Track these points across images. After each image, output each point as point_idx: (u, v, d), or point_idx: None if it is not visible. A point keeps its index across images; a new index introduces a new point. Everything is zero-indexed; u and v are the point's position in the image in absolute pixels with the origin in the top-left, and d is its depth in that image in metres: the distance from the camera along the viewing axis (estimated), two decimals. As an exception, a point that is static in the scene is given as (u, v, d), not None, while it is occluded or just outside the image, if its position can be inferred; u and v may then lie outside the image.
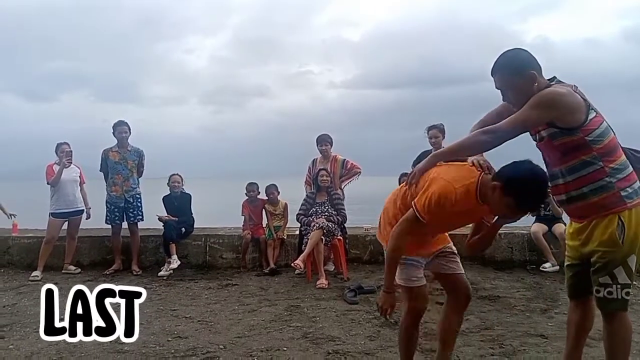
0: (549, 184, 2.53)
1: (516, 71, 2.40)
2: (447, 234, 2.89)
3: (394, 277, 2.74)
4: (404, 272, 2.78)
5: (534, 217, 6.62)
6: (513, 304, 4.77)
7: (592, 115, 2.36)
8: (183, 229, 6.56)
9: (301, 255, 5.68)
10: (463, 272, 2.89)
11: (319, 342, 3.75)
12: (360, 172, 6.72)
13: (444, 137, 6.01)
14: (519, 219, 2.55)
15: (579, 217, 2.52)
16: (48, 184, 6.45)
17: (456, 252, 2.89)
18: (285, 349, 3.62)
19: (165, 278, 6.03)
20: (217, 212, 14.16)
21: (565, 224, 6.31)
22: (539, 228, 6.41)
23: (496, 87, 2.50)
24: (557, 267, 6.20)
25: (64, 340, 3.70)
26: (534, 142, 2.60)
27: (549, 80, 2.46)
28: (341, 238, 6.05)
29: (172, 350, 3.60)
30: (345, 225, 6.32)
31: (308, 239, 5.79)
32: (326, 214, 6.09)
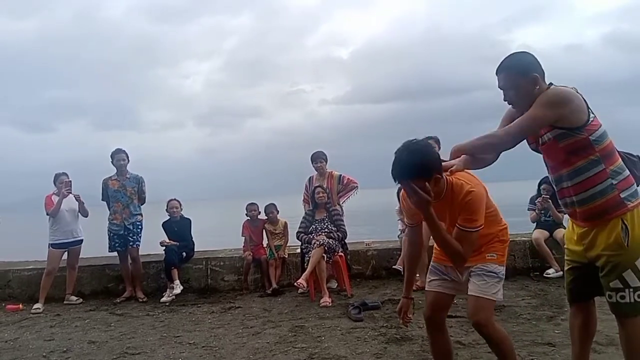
0: (555, 188, 2.58)
1: (520, 72, 2.45)
2: (485, 256, 2.66)
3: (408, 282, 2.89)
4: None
5: (535, 223, 6.62)
6: (519, 312, 4.74)
7: (592, 116, 2.40)
8: (184, 254, 6.52)
9: (304, 274, 5.64)
10: (475, 294, 2.60)
11: (325, 362, 3.71)
12: (357, 186, 6.72)
13: (439, 148, 6.03)
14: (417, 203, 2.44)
15: (584, 220, 2.51)
16: (47, 214, 6.42)
17: (485, 273, 2.62)
18: (291, 371, 3.58)
19: (167, 304, 5.98)
20: (217, 233, 14.12)
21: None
22: (540, 234, 6.40)
23: (499, 86, 2.54)
24: (561, 273, 6.16)
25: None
26: (531, 149, 2.61)
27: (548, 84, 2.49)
28: (342, 254, 6.02)
29: (177, 379, 3.55)
30: (346, 240, 6.29)
31: (309, 257, 5.76)
32: (326, 230, 6.07)
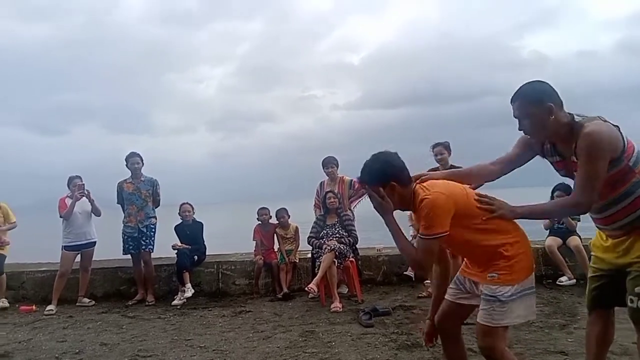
0: (597, 216, 2.51)
1: (534, 101, 2.41)
2: (486, 276, 2.51)
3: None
4: None
5: (548, 230, 6.56)
6: (531, 320, 4.69)
7: (625, 140, 2.38)
8: (196, 257, 6.56)
9: (314, 279, 5.64)
10: (479, 320, 2.50)
11: (336, 367, 3.70)
12: None
13: (449, 154, 6.00)
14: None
15: (623, 234, 2.50)
16: (61, 217, 6.49)
17: (488, 297, 2.45)
18: (301, 376, 3.57)
19: (179, 307, 6.01)
20: (228, 237, 14.15)
21: (579, 237, 6.26)
22: (553, 242, 6.34)
23: (514, 116, 2.49)
24: (574, 281, 6.11)
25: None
26: (560, 175, 2.60)
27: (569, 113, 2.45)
28: (353, 260, 6.01)
29: (188, 382, 3.56)
30: (357, 246, 6.28)
31: (320, 262, 5.76)
32: (337, 235, 6.07)
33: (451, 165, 5.96)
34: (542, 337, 4.20)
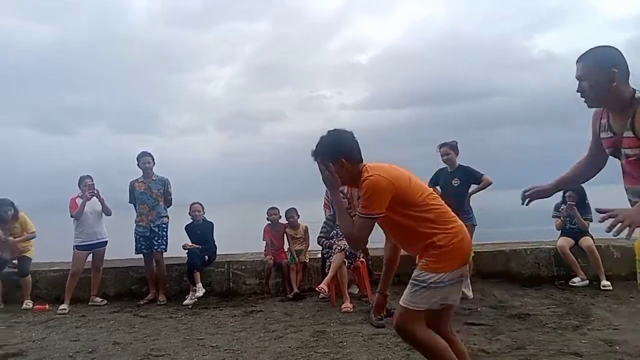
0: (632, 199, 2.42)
1: (598, 64, 2.33)
2: (420, 262, 2.65)
3: None
4: None
5: (560, 231, 6.52)
6: (544, 321, 4.67)
7: None
8: (206, 257, 6.58)
9: (325, 279, 5.64)
10: (400, 301, 2.68)
11: (349, 368, 3.70)
12: None
13: (457, 154, 5.97)
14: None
15: None
16: (71, 216, 6.53)
17: (412, 280, 2.63)
18: (314, 376, 3.57)
19: (190, 307, 6.04)
20: (238, 237, 14.19)
21: (592, 237, 6.21)
22: (565, 242, 6.29)
23: (575, 76, 2.41)
24: (587, 282, 6.06)
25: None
26: (608, 153, 2.51)
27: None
28: (364, 260, 6.01)
29: (201, 381, 3.57)
30: (367, 246, 6.27)
31: (330, 262, 5.75)
32: (346, 236, 6.06)
33: (459, 165, 5.93)
34: (556, 338, 4.17)
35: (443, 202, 2.74)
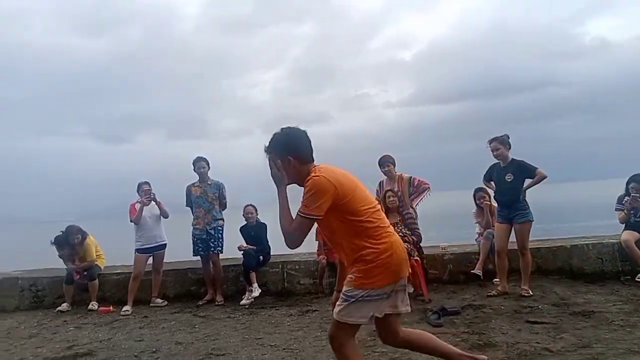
0: None
1: None
2: (349, 276, 2.69)
3: None
4: None
5: (624, 224, 6.24)
6: (610, 319, 4.48)
7: None
8: (261, 258, 6.70)
9: (379, 278, 5.61)
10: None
11: (407, 367, 3.67)
12: (429, 187, 6.58)
13: (509, 148, 5.78)
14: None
15: None
16: (131, 221, 6.79)
17: (343, 294, 2.66)
18: (373, 375, 3.56)
19: (247, 307, 6.16)
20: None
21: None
22: (630, 236, 6.02)
23: None
24: (655, 277, 5.78)
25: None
26: None
27: None
28: (419, 259, 5.94)
29: (262, 380, 3.63)
30: (421, 244, 6.20)
31: (384, 261, 5.72)
32: (400, 234, 5.99)
33: (512, 159, 5.76)
34: (624, 336, 4.00)
35: (384, 218, 2.75)
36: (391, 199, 6.20)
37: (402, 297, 2.75)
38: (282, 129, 2.74)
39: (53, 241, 6.94)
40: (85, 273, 6.89)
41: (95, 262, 7.01)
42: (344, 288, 2.65)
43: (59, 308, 6.67)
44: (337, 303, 2.67)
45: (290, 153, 2.68)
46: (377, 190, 6.74)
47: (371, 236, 2.60)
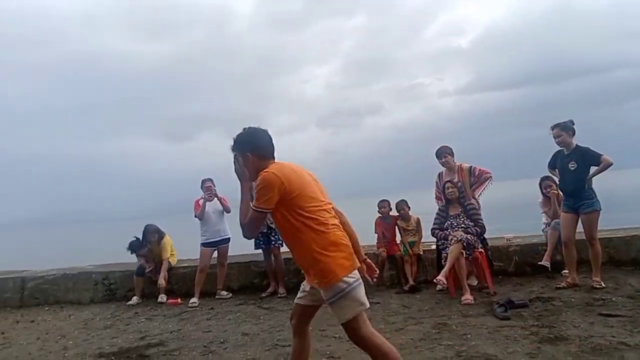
0: None
1: None
2: (315, 278, 2.79)
3: None
4: None
5: None
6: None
7: None
8: (321, 250, 6.73)
9: (442, 270, 5.53)
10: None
11: (475, 360, 3.61)
12: (491, 177, 6.38)
13: (572, 134, 5.51)
14: None
15: None
16: (195, 217, 7.02)
17: (326, 300, 2.74)
18: (440, 368, 3.53)
19: (309, 299, 6.22)
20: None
21: None
22: None
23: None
24: None
25: (229, 363, 4.01)
26: None
27: None
28: (483, 250, 5.81)
29: (328, 371, 3.66)
30: (485, 236, 6.06)
31: (446, 253, 5.64)
32: (463, 226, 5.90)
33: (576, 146, 5.50)
34: None
35: (331, 217, 2.82)
36: (450, 190, 6.08)
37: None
38: (244, 128, 2.95)
39: (128, 247, 7.26)
40: (156, 267, 7.18)
41: (168, 260, 7.27)
42: (323, 294, 2.72)
43: (130, 302, 6.98)
44: (334, 313, 2.73)
45: (249, 150, 2.87)
46: (436, 182, 6.62)
47: (316, 231, 2.71)
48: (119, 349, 4.80)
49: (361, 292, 2.70)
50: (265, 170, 2.76)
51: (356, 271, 2.74)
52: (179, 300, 6.84)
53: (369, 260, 3.07)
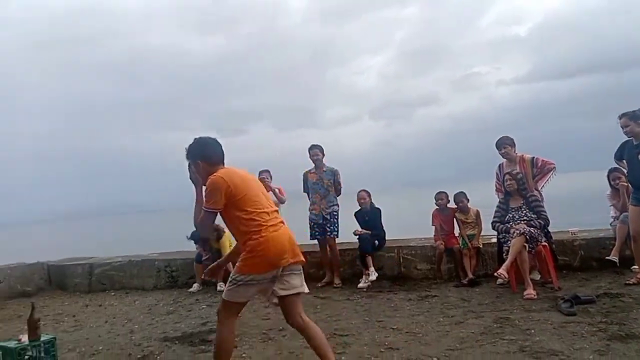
0: None
1: None
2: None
3: None
4: None
5: None
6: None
7: None
8: (376, 242, 6.72)
9: (504, 264, 5.38)
10: None
11: (540, 356, 3.50)
12: (554, 167, 6.13)
13: None
14: None
15: None
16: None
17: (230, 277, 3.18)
18: (503, 363, 3.45)
19: (365, 290, 6.23)
20: (404, 222, 14.25)
21: None
22: None
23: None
24: None
25: (288, 350, 4.08)
26: None
27: None
28: (546, 244, 5.61)
29: (388, 362, 3.66)
30: (549, 229, 5.84)
31: (508, 247, 5.48)
32: (525, 218, 5.70)
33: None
34: None
35: (271, 219, 3.13)
36: (508, 182, 5.90)
37: (292, 280, 3.17)
38: (195, 138, 3.33)
39: (189, 236, 7.45)
40: (212, 257, 7.35)
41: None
42: (231, 273, 3.13)
43: (191, 289, 7.19)
44: (226, 285, 3.18)
45: (199, 158, 3.26)
46: (496, 173, 6.43)
47: (253, 232, 3.05)
48: (182, 333, 4.97)
49: (250, 291, 3.11)
50: (213, 175, 3.12)
51: (266, 274, 3.06)
52: None
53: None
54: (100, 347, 4.67)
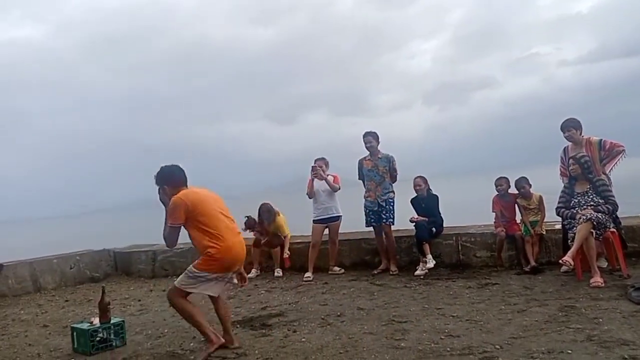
0: None
1: None
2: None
3: None
4: None
5: None
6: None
7: None
8: (433, 229, 6.63)
9: (569, 251, 5.17)
10: None
11: (609, 345, 3.36)
12: (623, 150, 5.81)
13: None
14: None
15: None
16: (307, 194, 7.21)
17: (187, 270, 4.06)
18: (569, 351, 3.32)
19: (422, 277, 6.17)
20: (462, 209, 13.97)
21: None
22: None
23: None
24: None
25: (347, 335, 4.11)
26: None
27: None
28: (615, 230, 5.35)
29: (448, 349, 3.61)
30: (617, 214, 5.56)
31: (573, 233, 5.26)
32: (592, 203, 5.45)
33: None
34: None
35: (226, 228, 3.92)
36: (572, 167, 5.65)
37: (221, 285, 4.03)
38: (161, 167, 4.04)
39: (244, 226, 7.60)
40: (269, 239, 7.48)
41: (284, 236, 7.52)
42: (189, 267, 3.90)
43: (249, 275, 7.34)
44: (182, 275, 3.97)
45: (165, 183, 4.01)
46: (561, 157, 6.17)
47: (211, 240, 3.82)
48: (243, 317, 5.10)
49: (207, 286, 3.93)
50: (175, 196, 3.84)
51: (218, 274, 3.93)
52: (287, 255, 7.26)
53: (243, 272, 4.28)
54: (166, 330, 4.86)
